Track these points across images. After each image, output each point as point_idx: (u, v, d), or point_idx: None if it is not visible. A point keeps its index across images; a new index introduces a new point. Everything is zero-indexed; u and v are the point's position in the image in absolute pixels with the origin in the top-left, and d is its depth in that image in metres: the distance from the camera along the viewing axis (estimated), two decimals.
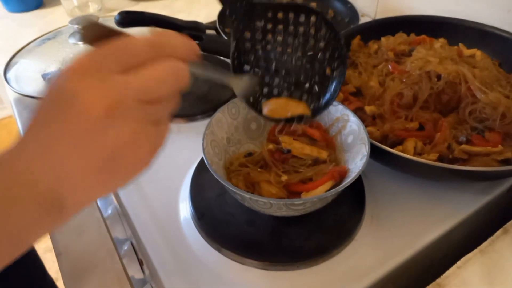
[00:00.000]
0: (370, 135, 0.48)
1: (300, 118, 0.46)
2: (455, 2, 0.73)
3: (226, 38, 0.74)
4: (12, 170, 0.23)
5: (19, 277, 0.64)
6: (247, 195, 0.39)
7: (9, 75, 0.68)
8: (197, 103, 0.64)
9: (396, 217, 0.48)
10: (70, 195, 0.24)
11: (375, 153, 0.44)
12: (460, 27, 0.65)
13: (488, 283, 0.39)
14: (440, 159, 0.47)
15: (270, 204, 0.39)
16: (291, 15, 0.43)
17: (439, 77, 0.53)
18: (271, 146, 0.49)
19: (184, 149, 0.57)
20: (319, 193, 0.43)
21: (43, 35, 0.78)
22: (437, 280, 0.40)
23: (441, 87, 0.52)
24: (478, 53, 0.60)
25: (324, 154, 0.47)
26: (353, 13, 0.84)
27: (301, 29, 0.43)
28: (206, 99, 0.65)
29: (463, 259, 0.42)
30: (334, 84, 0.45)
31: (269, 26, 0.43)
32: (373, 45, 0.65)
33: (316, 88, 0.46)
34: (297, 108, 0.45)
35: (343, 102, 0.54)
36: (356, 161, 0.44)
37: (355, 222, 0.47)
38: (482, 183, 0.52)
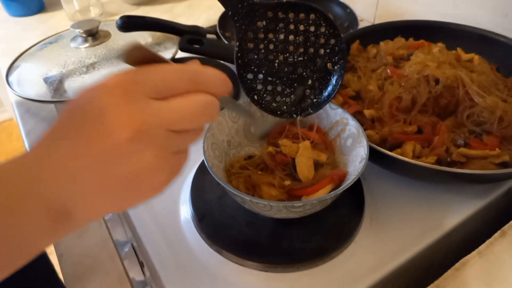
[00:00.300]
0: (369, 138, 0.48)
1: (303, 110, 0.48)
2: (453, 6, 0.74)
3: (226, 42, 0.75)
4: (25, 178, 0.22)
5: (29, 279, 0.63)
6: (247, 197, 0.39)
7: (11, 78, 0.68)
8: None
9: (395, 219, 0.49)
10: (80, 210, 0.24)
11: (374, 156, 0.45)
12: (458, 32, 0.65)
13: (486, 285, 0.40)
14: (439, 162, 0.48)
15: (270, 206, 0.39)
16: (291, 14, 0.44)
17: (437, 81, 0.53)
18: (271, 149, 0.49)
19: None
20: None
21: (45, 39, 0.79)
22: (436, 282, 0.40)
23: (439, 91, 0.52)
24: (476, 57, 0.61)
25: (323, 157, 0.48)
26: (352, 18, 0.85)
27: (302, 26, 0.44)
28: None
29: (461, 261, 0.42)
30: (335, 77, 0.47)
31: (271, 25, 0.44)
32: (372, 50, 0.66)
33: (318, 83, 0.48)
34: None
35: (342, 105, 0.55)
36: (355, 164, 0.44)
37: (355, 224, 0.47)
38: (480, 186, 0.53)
